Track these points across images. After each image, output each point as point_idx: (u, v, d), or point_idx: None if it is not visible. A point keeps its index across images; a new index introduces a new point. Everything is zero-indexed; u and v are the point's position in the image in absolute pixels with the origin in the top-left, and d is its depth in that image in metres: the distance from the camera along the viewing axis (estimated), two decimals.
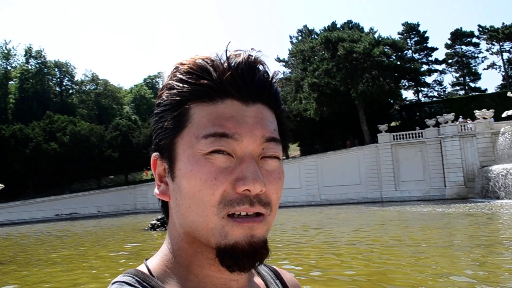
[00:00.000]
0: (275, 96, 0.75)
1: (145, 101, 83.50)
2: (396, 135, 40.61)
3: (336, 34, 47.22)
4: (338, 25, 59.93)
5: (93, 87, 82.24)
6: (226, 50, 0.71)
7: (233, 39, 0.70)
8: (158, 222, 23.92)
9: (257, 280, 0.83)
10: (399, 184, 40.05)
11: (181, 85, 0.71)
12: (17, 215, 42.35)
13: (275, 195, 0.71)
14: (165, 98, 0.72)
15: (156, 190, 0.75)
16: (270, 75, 0.74)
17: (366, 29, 55.78)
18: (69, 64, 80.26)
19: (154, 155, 0.74)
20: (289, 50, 63.67)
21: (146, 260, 0.76)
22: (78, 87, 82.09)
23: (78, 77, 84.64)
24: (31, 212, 42.93)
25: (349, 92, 44.37)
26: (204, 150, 0.67)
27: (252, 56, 0.72)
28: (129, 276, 0.70)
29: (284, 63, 68.74)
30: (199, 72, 0.70)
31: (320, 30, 61.77)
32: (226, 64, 0.70)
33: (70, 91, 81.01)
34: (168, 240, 0.76)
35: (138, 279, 0.69)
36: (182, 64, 0.72)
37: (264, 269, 0.90)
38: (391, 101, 52.99)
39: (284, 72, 67.80)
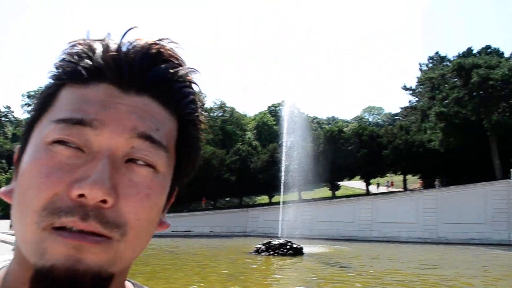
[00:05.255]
0: (178, 94, 0.58)
1: (267, 128, 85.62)
2: None
3: (471, 60, 44.38)
4: (475, 51, 56.73)
5: (220, 114, 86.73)
6: (128, 31, 0.57)
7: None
8: (263, 247, 23.49)
9: None
10: None
11: (58, 63, 0.56)
12: None
13: (133, 216, 0.51)
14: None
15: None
16: (181, 72, 0.58)
17: (507, 54, 51.17)
18: (201, 93, 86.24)
19: (18, 147, 0.56)
20: (417, 78, 60.89)
21: None
22: (207, 113, 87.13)
23: (207, 104, 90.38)
24: None
25: (481, 122, 40.47)
26: (48, 138, 0.51)
27: (157, 44, 0.57)
28: None
29: (411, 92, 65.60)
30: (82, 52, 0.55)
31: (453, 57, 58.64)
32: (115, 46, 0.55)
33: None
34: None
35: None
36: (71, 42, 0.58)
37: None
38: None
39: (410, 101, 65.52)
